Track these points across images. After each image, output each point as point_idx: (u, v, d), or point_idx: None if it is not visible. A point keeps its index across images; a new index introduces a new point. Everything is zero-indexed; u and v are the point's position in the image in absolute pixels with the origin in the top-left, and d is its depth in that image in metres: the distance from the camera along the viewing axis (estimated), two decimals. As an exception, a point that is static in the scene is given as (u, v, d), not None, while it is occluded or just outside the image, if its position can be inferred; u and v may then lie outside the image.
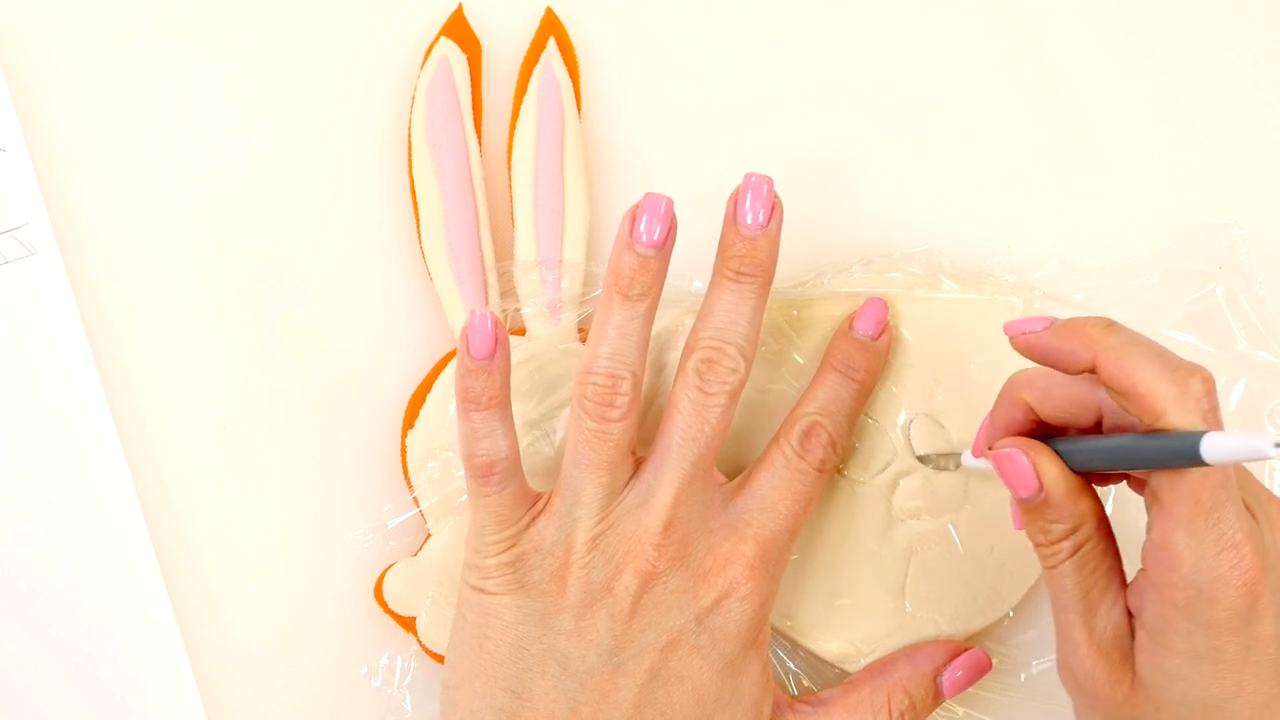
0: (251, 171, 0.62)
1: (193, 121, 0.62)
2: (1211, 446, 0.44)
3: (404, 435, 0.61)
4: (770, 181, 0.55)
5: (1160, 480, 0.47)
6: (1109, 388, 0.47)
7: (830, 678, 0.60)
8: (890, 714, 0.56)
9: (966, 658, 0.58)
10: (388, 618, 0.60)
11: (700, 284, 0.59)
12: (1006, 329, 0.51)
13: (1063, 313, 0.61)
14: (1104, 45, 0.64)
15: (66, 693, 0.60)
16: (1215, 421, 0.47)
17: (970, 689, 0.58)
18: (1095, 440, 0.49)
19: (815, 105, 0.63)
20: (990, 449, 0.51)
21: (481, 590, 0.54)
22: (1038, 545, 0.51)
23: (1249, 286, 0.61)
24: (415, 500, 0.60)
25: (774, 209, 0.55)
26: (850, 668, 0.59)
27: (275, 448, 0.61)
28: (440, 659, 0.59)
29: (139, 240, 0.62)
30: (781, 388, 0.60)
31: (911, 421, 0.59)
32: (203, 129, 0.62)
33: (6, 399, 0.60)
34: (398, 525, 0.61)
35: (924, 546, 0.59)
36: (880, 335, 0.58)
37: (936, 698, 0.58)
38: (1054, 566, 0.50)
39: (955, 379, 0.60)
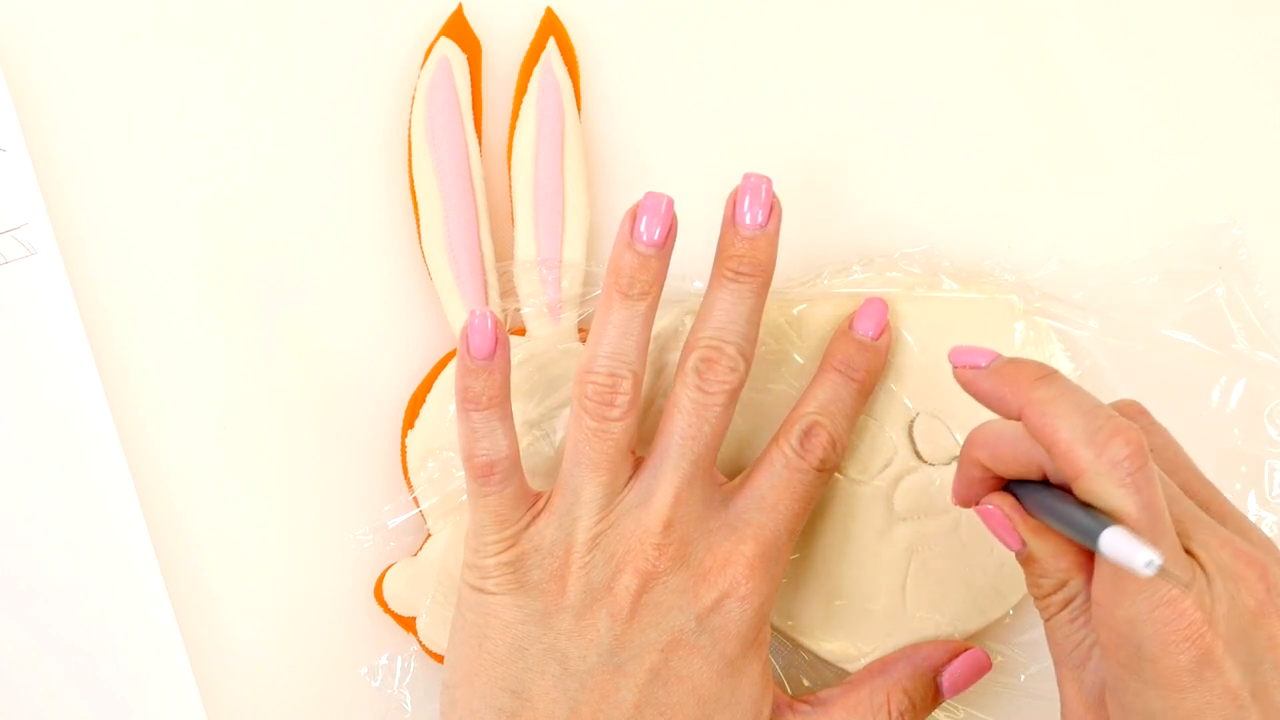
0: (251, 171, 0.62)
1: (193, 121, 0.62)
2: (1109, 542, 0.43)
3: (404, 435, 0.61)
4: (769, 182, 0.55)
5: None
6: (1035, 439, 0.47)
7: (830, 678, 0.60)
8: (890, 714, 0.56)
9: (966, 658, 0.58)
10: (388, 618, 0.60)
11: (700, 284, 0.59)
12: (951, 356, 0.50)
13: (1063, 312, 0.61)
14: (1104, 45, 0.64)
15: (66, 693, 0.60)
16: (1139, 485, 0.45)
17: (970, 689, 0.58)
18: (1041, 494, 0.49)
19: (815, 105, 0.63)
20: (977, 504, 0.51)
21: (481, 590, 0.54)
22: (1034, 598, 0.50)
23: (1249, 286, 0.61)
24: (415, 500, 0.60)
25: (773, 210, 0.55)
26: (850, 668, 0.59)
27: (275, 448, 0.61)
28: (440, 659, 0.59)
29: (139, 240, 0.62)
30: (781, 388, 0.60)
31: (912, 421, 0.59)
32: (203, 129, 0.62)
33: (6, 399, 0.60)
34: (398, 525, 0.61)
35: (924, 546, 0.59)
36: (880, 335, 0.58)
37: (936, 698, 0.58)
38: (1048, 619, 0.50)
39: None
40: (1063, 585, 0.49)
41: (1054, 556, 0.49)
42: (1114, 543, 0.43)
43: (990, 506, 0.50)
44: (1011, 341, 0.60)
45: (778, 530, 0.55)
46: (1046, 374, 0.48)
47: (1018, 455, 0.49)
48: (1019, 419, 0.47)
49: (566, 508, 0.54)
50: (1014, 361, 0.49)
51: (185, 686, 0.60)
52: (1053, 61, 0.64)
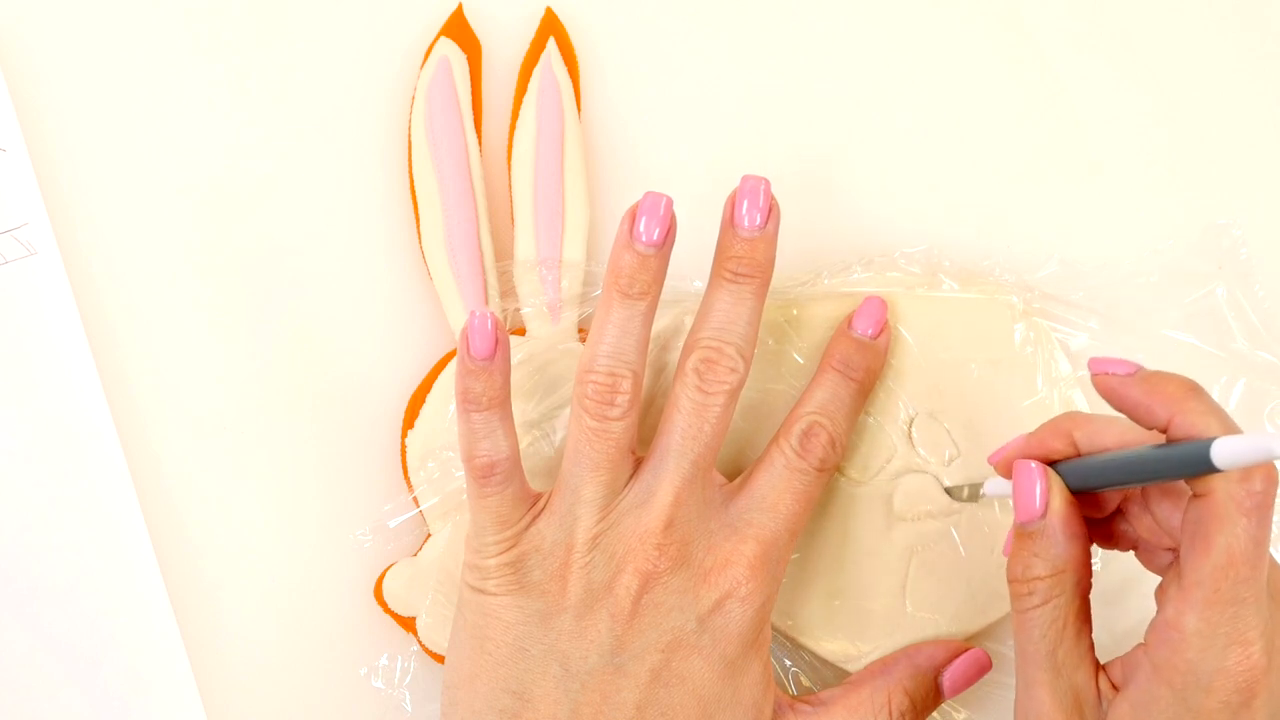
0: (251, 171, 0.62)
1: (193, 122, 0.62)
2: (1223, 451, 0.44)
3: (404, 435, 0.61)
4: (767, 183, 0.55)
5: (1188, 561, 0.47)
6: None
7: (830, 678, 0.60)
8: (891, 714, 0.56)
9: (967, 658, 0.58)
10: (388, 618, 0.60)
11: (700, 284, 0.59)
12: (1090, 364, 0.50)
13: (1062, 312, 0.61)
14: (1103, 45, 0.64)
15: (66, 693, 0.60)
16: (1262, 519, 0.46)
17: (970, 689, 0.58)
18: (1111, 454, 0.49)
19: (815, 105, 0.64)
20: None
21: (482, 591, 0.54)
22: (1013, 581, 0.51)
23: (1249, 286, 0.61)
24: (415, 500, 0.60)
25: (771, 211, 0.55)
26: (850, 668, 0.59)
27: (275, 447, 0.61)
28: (440, 659, 0.59)
29: (139, 240, 0.62)
30: (781, 388, 0.60)
31: (912, 421, 0.59)
32: (202, 129, 0.62)
33: (6, 399, 0.60)
34: (398, 525, 0.61)
35: (924, 546, 0.59)
36: (879, 334, 0.58)
37: (937, 698, 0.58)
38: (1023, 611, 0.50)
39: (955, 378, 0.60)
40: (1054, 574, 0.50)
41: (1066, 536, 0.50)
42: (1233, 445, 0.44)
43: (1031, 464, 0.50)
44: (1011, 342, 0.60)
45: (778, 530, 0.55)
46: (1194, 387, 0.48)
47: (1118, 442, 0.49)
48: (1163, 428, 0.48)
49: (567, 508, 0.54)
50: (1160, 373, 0.49)
51: (185, 686, 0.60)
52: (1052, 61, 0.64)
